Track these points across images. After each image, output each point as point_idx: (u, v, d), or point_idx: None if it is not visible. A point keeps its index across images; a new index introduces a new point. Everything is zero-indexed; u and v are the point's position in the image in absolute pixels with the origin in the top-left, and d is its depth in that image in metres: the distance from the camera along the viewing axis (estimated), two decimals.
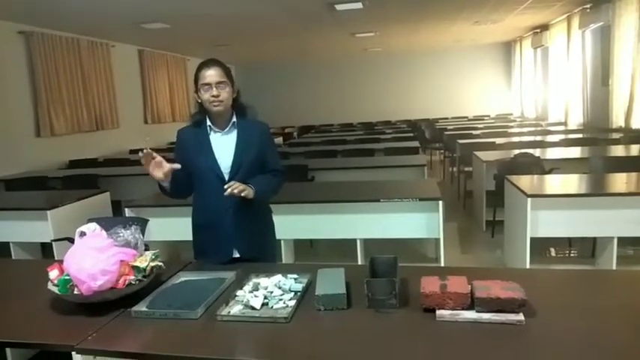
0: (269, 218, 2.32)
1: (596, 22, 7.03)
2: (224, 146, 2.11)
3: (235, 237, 2.13)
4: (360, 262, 3.38)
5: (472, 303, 1.45)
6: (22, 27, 6.17)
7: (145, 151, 1.94)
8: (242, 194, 1.96)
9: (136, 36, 7.81)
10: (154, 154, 1.96)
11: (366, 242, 3.60)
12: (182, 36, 8.07)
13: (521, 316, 1.40)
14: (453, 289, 1.46)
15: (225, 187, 1.96)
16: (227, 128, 2.12)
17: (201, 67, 2.04)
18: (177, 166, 2.00)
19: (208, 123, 2.12)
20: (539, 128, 8.11)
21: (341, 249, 3.83)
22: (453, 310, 1.45)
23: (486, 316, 1.41)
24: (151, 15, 6.29)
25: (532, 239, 3.25)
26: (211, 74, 2.01)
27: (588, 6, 7.29)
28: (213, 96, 2.00)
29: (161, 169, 1.98)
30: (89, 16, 6.07)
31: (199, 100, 2.08)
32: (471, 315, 1.43)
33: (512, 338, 1.33)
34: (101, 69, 7.64)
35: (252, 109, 2.22)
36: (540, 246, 4.19)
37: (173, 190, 2.10)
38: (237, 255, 2.15)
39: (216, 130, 2.12)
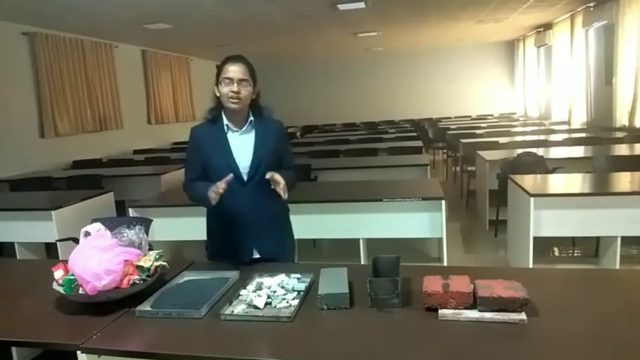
0: (287, 217, 2.29)
1: (600, 20, 7.02)
2: (242, 145, 2.07)
3: (255, 237, 2.10)
4: (363, 262, 3.39)
5: (474, 302, 1.46)
6: (26, 28, 6.20)
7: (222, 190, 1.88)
8: (279, 189, 1.93)
9: (140, 36, 7.84)
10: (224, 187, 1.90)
11: (369, 242, 3.60)
12: (185, 36, 8.09)
13: (523, 316, 1.40)
14: (455, 289, 1.47)
15: (274, 178, 1.92)
16: (245, 127, 2.08)
17: (227, 60, 2.00)
18: (230, 176, 1.93)
19: (225, 122, 2.07)
20: (542, 127, 8.09)
21: (344, 249, 3.83)
22: (455, 309, 1.46)
23: (489, 316, 1.42)
24: (155, 16, 6.31)
25: (535, 239, 3.25)
26: (235, 70, 1.97)
27: (592, 4, 7.27)
28: (232, 92, 1.96)
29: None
30: (92, 17, 6.10)
31: (217, 94, 2.03)
32: (473, 314, 1.43)
33: (515, 337, 1.33)
34: (105, 69, 7.66)
35: (268, 110, 2.20)
36: (544, 245, 4.19)
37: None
38: (257, 255, 2.11)
39: (234, 129, 2.08)
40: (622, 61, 6.50)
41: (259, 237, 2.11)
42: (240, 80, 1.97)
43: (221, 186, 1.86)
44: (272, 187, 1.95)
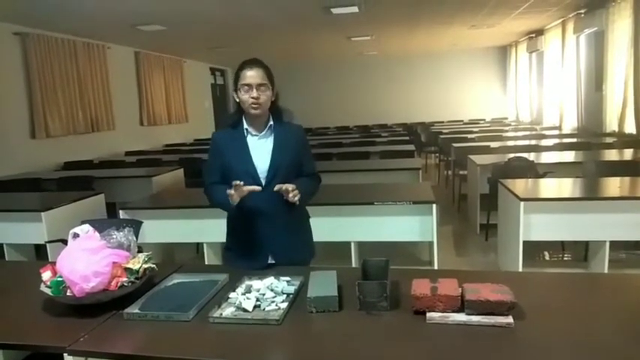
0: (307, 223, 2.26)
1: (591, 27, 7.09)
2: (261, 150, 2.07)
3: (271, 243, 2.08)
4: (354, 265, 3.40)
5: (462, 305, 1.46)
6: (18, 28, 6.16)
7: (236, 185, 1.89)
8: (290, 198, 1.90)
9: (133, 38, 7.82)
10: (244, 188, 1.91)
11: (361, 245, 3.61)
12: (178, 38, 8.08)
13: (510, 319, 1.41)
14: (443, 292, 1.47)
15: (283, 187, 1.90)
16: (264, 132, 2.08)
17: (244, 66, 1.99)
18: (258, 188, 1.95)
19: (245, 126, 2.08)
20: (533, 132, 8.13)
21: (335, 252, 3.83)
22: (443, 312, 1.46)
23: (476, 319, 1.43)
24: (148, 17, 6.30)
25: (526, 243, 3.27)
26: (253, 75, 1.97)
27: (583, 11, 7.35)
28: (252, 98, 1.96)
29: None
30: (85, 18, 6.07)
31: (237, 100, 2.03)
32: (460, 317, 1.44)
33: (501, 341, 1.34)
34: (97, 71, 7.62)
35: (288, 112, 2.20)
36: (534, 249, 4.22)
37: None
38: (272, 261, 2.09)
39: (254, 133, 2.08)
40: (612, 67, 6.58)
41: (275, 243, 2.09)
42: (259, 85, 1.97)
43: (236, 183, 1.87)
44: (284, 197, 1.93)
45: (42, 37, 6.44)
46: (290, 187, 1.91)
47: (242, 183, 1.89)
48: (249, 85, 1.97)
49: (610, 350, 1.28)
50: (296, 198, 1.91)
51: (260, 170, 2.05)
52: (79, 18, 6.04)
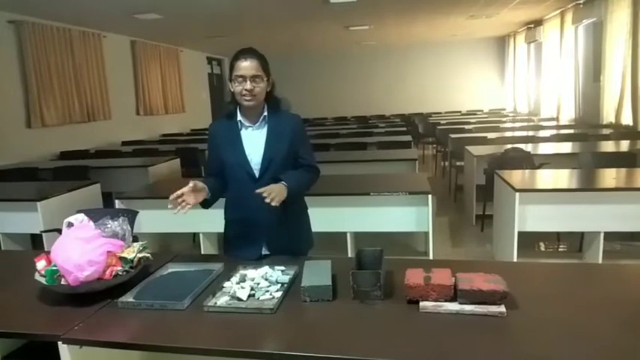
0: (304, 215, 2.25)
1: (589, 17, 7.07)
2: (254, 141, 2.04)
3: (265, 234, 2.08)
4: (349, 255, 3.41)
5: (455, 295, 1.47)
6: (13, 16, 6.10)
7: (170, 200, 1.87)
8: (273, 203, 1.84)
9: (129, 26, 7.75)
10: (179, 194, 1.88)
11: (357, 235, 3.62)
12: (175, 27, 8.02)
13: (502, 308, 1.42)
14: (436, 281, 1.48)
15: (259, 191, 1.86)
16: (258, 123, 2.05)
17: (238, 56, 1.96)
18: (195, 184, 1.91)
19: (239, 118, 2.05)
20: (531, 123, 8.14)
21: (331, 242, 3.84)
22: (436, 301, 1.47)
23: (468, 308, 1.43)
24: (144, 5, 6.24)
25: (521, 233, 3.28)
26: (247, 66, 1.93)
27: (582, 2, 7.32)
28: (246, 90, 1.93)
29: (194, 195, 1.91)
30: (81, 6, 6.02)
31: (232, 90, 2.01)
32: (453, 307, 1.45)
33: (494, 330, 1.35)
34: (93, 60, 7.56)
35: (285, 101, 2.17)
36: (529, 240, 4.23)
37: (215, 199, 2.07)
38: (267, 252, 2.09)
39: (247, 124, 2.06)
40: (610, 58, 6.56)
41: (269, 234, 2.08)
42: (253, 77, 1.94)
43: (177, 193, 1.87)
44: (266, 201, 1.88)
45: (37, 25, 6.38)
46: (265, 190, 1.86)
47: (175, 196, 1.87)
48: (243, 77, 1.94)
49: (603, 339, 1.29)
50: (273, 202, 1.85)
51: (253, 162, 2.03)
52: (75, 6, 5.98)
